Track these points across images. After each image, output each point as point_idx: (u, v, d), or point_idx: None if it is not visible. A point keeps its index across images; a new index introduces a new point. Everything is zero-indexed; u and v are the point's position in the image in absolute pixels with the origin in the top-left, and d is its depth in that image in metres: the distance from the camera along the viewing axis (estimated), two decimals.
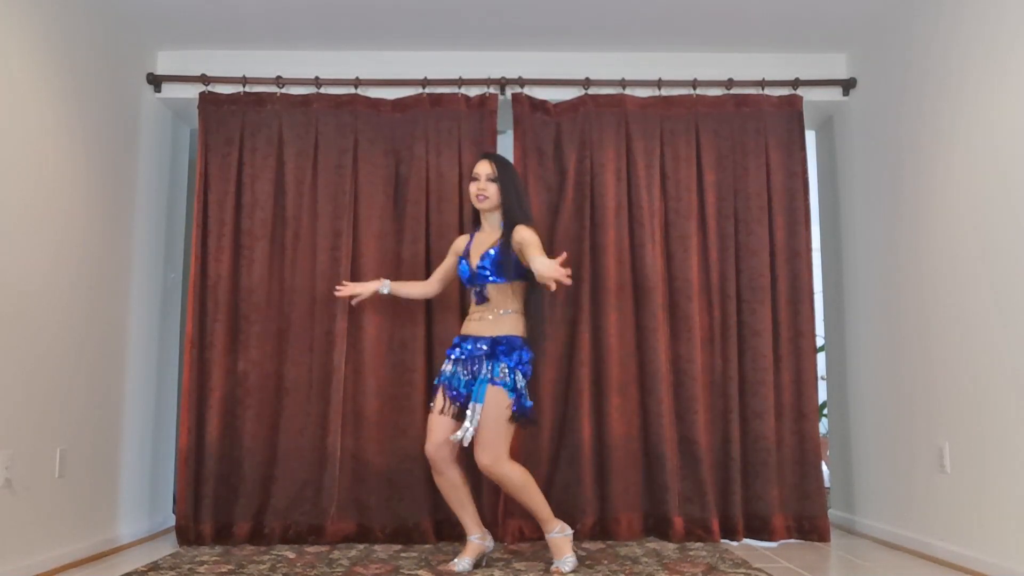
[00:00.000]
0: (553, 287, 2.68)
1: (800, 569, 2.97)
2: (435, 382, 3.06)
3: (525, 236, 2.90)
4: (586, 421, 3.56)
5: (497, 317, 2.98)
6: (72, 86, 3.14)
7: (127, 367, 3.57)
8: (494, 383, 2.87)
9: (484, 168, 3.08)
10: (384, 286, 3.28)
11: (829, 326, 4.18)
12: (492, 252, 2.99)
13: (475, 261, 3.03)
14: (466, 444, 2.86)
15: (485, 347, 2.94)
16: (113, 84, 3.47)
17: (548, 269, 2.65)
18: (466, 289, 3.14)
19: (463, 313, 3.34)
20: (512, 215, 3.03)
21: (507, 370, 2.89)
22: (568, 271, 2.63)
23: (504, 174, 3.07)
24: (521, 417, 2.90)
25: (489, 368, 2.90)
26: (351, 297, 3.35)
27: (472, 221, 3.26)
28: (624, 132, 3.77)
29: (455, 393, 2.97)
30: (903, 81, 3.44)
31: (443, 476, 2.96)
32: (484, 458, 2.84)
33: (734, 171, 3.80)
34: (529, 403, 2.94)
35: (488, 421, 2.84)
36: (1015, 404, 2.67)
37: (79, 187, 3.18)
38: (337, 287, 3.36)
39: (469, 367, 2.96)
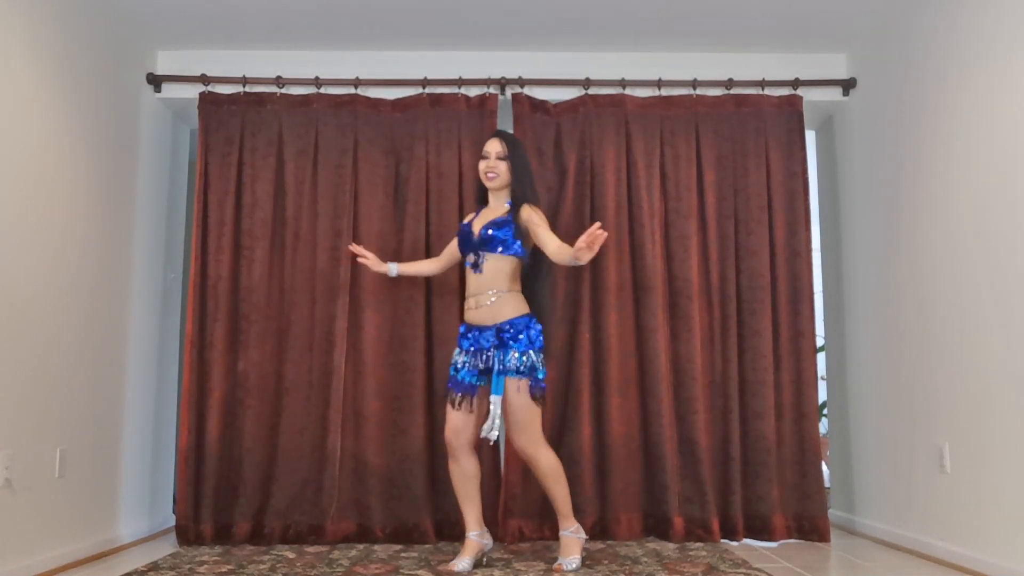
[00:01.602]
0: (586, 259, 2.66)
1: (800, 569, 2.97)
2: (451, 371, 3.07)
3: (533, 217, 2.98)
4: (586, 421, 3.56)
5: (497, 300, 2.97)
6: (72, 86, 3.14)
7: (127, 367, 3.57)
8: (509, 374, 2.90)
9: (495, 146, 3.10)
10: (391, 269, 3.35)
11: (829, 326, 4.18)
12: (499, 221, 3.02)
13: (478, 228, 3.05)
14: (492, 440, 2.92)
15: (492, 339, 2.95)
16: (113, 84, 3.47)
17: (580, 242, 2.63)
18: (464, 257, 3.10)
19: (462, 312, 3.32)
20: (519, 194, 3.06)
21: (517, 355, 2.91)
22: (598, 225, 2.64)
23: (514, 153, 3.09)
24: (540, 393, 2.94)
25: (500, 359, 2.92)
26: (354, 257, 3.41)
27: (477, 200, 3.26)
28: (624, 132, 3.77)
29: (465, 386, 2.99)
30: (903, 81, 3.44)
31: (459, 464, 3.00)
32: (520, 439, 2.91)
33: (734, 171, 3.80)
34: (542, 375, 2.95)
35: (516, 408, 2.90)
36: (1015, 404, 2.67)
37: (79, 187, 3.18)
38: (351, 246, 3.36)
39: (480, 358, 2.98)
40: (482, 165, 3.10)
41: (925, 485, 3.21)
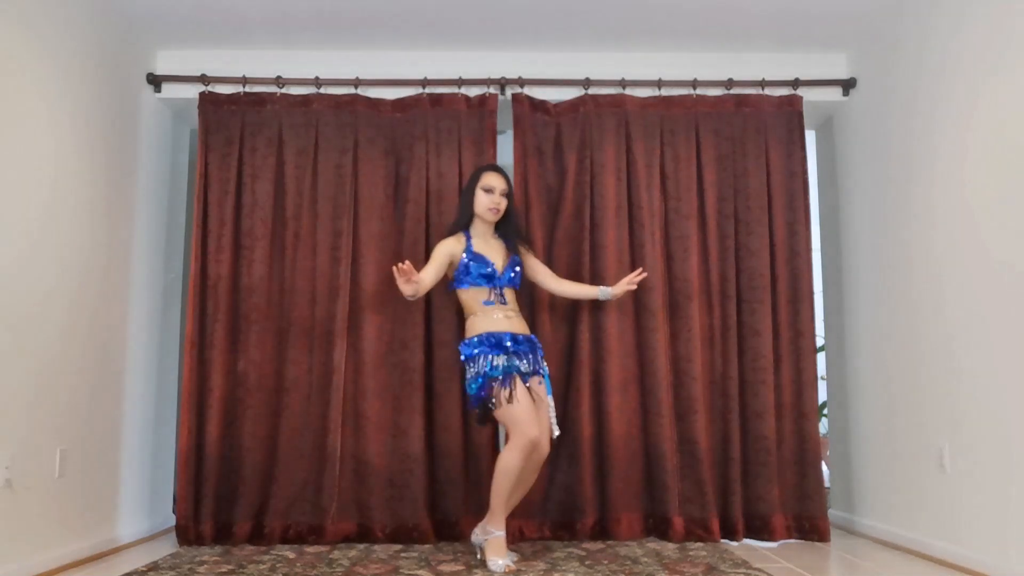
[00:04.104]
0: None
1: (800, 569, 2.97)
2: (502, 373, 2.99)
3: (531, 259, 3.38)
4: (586, 421, 3.56)
5: (520, 317, 3.21)
6: (72, 86, 3.14)
7: (127, 367, 3.57)
8: (545, 377, 3.18)
9: (500, 183, 3.22)
10: (417, 295, 3.04)
11: (829, 326, 4.18)
12: (516, 260, 3.25)
13: (501, 266, 3.19)
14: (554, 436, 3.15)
15: (537, 347, 3.18)
16: (113, 84, 3.47)
17: (623, 284, 3.37)
18: (480, 288, 3.16)
19: (461, 313, 3.33)
20: (518, 235, 3.33)
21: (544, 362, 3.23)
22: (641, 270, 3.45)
23: (511, 189, 3.28)
24: None
25: (540, 364, 3.17)
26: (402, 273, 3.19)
27: (461, 224, 3.24)
28: (624, 132, 3.77)
29: (522, 380, 3.05)
30: (903, 81, 3.44)
31: (531, 462, 3.05)
32: (548, 444, 3.09)
33: (734, 171, 3.80)
34: None
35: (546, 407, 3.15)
36: (1014, 404, 2.67)
37: (79, 187, 3.18)
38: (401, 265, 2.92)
39: (529, 361, 3.09)
40: (486, 200, 3.19)
41: (925, 485, 3.21)
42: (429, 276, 3.11)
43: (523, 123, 3.77)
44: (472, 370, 3.05)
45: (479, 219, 3.24)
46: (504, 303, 3.17)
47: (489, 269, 3.15)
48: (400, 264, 2.91)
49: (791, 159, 3.81)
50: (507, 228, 3.31)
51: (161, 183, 3.95)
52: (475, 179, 3.25)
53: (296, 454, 3.54)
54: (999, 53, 2.80)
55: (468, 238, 3.22)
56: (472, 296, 3.17)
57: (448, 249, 3.20)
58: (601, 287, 3.41)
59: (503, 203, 3.21)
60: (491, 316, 3.12)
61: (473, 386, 3.04)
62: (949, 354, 3.06)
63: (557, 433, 3.14)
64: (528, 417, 2.94)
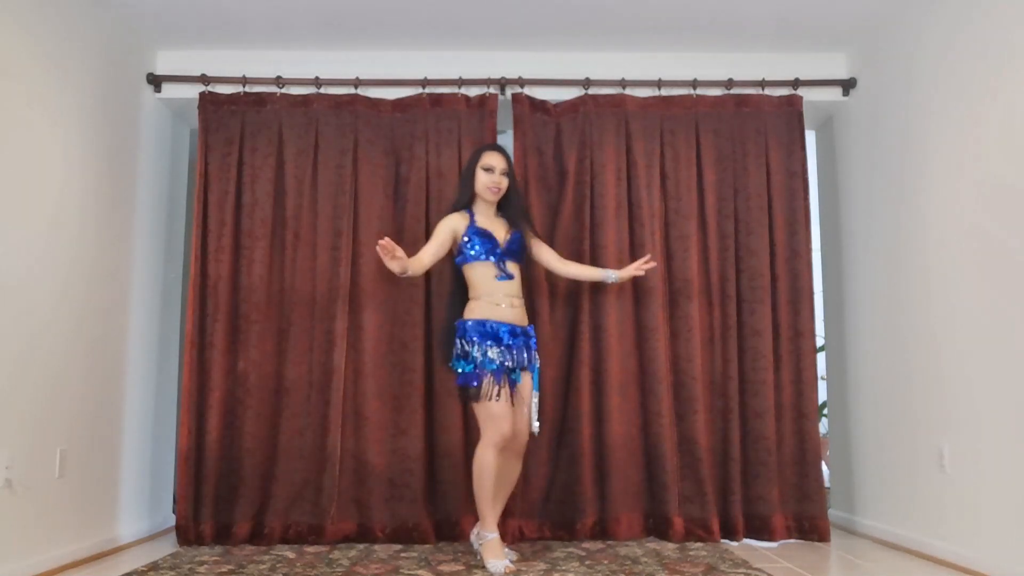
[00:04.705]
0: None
1: (800, 569, 2.97)
2: (488, 369, 2.95)
3: (534, 240, 3.28)
4: (586, 421, 3.56)
5: (522, 303, 3.14)
6: (72, 86, 3.14)
7: (127, 367, 3.57)
8: (535, 372, 3.14)
9: (501, 162, 3.17)
10: (406, 271, 2.98)
11: (829, 326, 4.18)
12: (517, 234, 3.17)
13: (503, 239, 3.13)
14: (536, 433, 3.12)
15: (531, 339, 3.12)
16: (113, 84, 3.47)
17: (631, 268, 3.29)
18: (485, 263, 3.08)
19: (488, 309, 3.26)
20: (521, 219, 3.24)
21: (536, 356, 3.16)
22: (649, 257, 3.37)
23: (512, 169, 3.23)
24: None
25: (532, 357, 3.11)
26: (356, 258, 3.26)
27: (461, 204, 3.20)
28: (624, 132, 3.77)
29: (511, 379, 3.02)
30: (903, 81, 3.44)
31: (508, 463, 3.04)
32: (526, 434, 3.08)
33: (734, 171, 3.80)
34: None
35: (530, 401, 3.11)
36: (1014, 404, 2.67)
37: (79, 187, 3.18)
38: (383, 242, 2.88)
39: (516, 355, 3.04)
40: (486, 179, 3.15)
41: (925, 485, 3.22)
42: (428, 253, 3.09)
43: (523, 123, 3.77)
44: (460, 350, 3.01)
45: (480, 199, 3.19)
46: (511, 277, 3.08)
47: (491, 242, 3.09)
48: (381, 242, 2.84)
49: (791, 159, 3.81)
50: (509, 208, 3.24)
51: (161, 183, 3.95)
52: (475, 159, 3.20)
53: (296, 454, 3.55)
54: (999, 54, 2.80)
55: (471, 215, 3.17)
56: (479, 273, 3.08)
57: (451, 224, 3.14)
58: (608, 270, 3.32)
59: (503, 182, 3.16)
60: (494, 303, 3.04)
61: (459, 368, 3.01)
62: (950, 354, 3.06)
63: (536, 429, 3.07)
64: (504, 415, 2.94)
